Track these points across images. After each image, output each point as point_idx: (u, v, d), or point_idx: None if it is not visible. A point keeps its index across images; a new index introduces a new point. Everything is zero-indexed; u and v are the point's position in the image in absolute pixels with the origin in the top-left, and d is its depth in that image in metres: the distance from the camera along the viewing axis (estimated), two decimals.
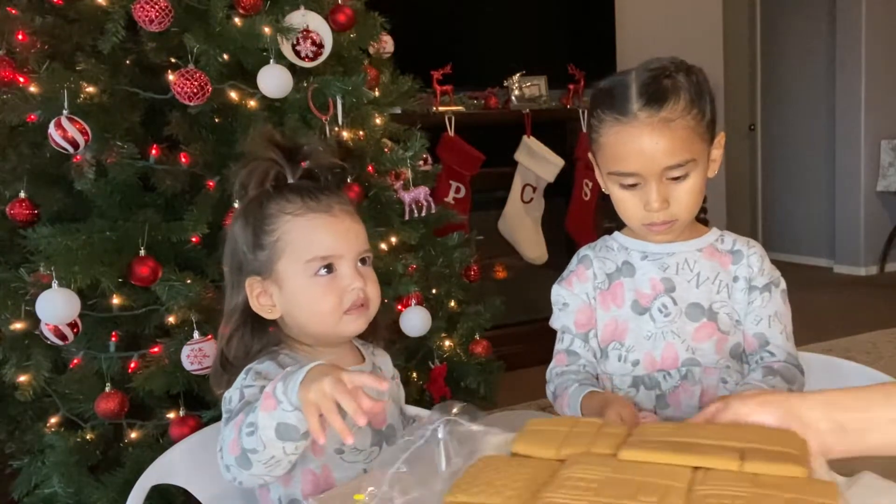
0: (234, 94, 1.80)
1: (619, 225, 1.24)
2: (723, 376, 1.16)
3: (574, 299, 1.22)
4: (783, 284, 1.21)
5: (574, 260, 1.25)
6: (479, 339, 2.26)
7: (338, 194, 1.08)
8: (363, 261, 1.08)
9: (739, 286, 1.18)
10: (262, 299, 1.05)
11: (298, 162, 1.08)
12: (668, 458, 0.78)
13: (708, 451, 0.78)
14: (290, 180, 1.08)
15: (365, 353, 1.14)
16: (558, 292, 1.24)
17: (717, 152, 1.14)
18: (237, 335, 1.06)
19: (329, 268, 1.04)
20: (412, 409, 1.26)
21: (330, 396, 0.80)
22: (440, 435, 0.82)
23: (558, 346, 1.24)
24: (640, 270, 1.19)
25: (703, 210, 1.25)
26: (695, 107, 1.07)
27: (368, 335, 1.13)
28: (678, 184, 1.08)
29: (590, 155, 1.16)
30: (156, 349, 1.71)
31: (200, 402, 1.76)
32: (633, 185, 1.09)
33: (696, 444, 0.80)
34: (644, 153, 1.06)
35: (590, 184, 3.84)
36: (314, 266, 1.03)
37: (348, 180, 1.83)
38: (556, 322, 1.25)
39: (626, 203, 1.12)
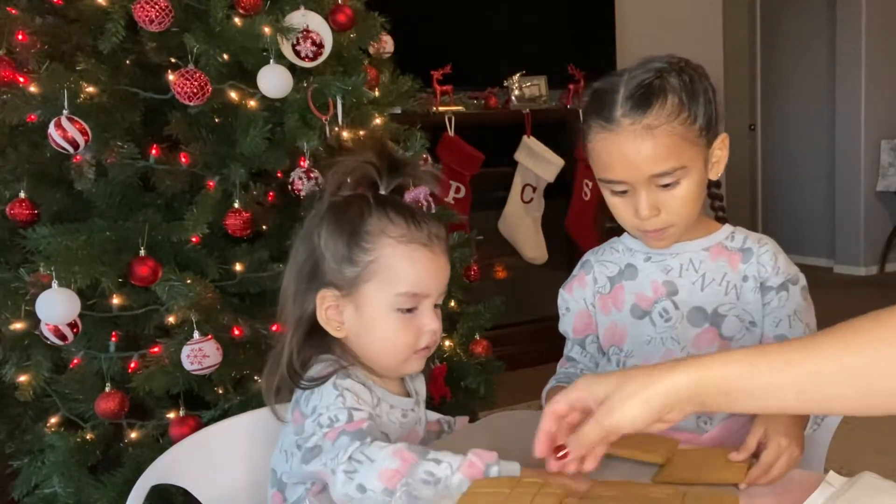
0: (234, 94, 1.80)
1: (621, 224, 1.23)
2: None
3: (574, 304, 1.22)
4: (803, 281, 1.15)
5: (578, 264, 1.24)
6: (479, 339, 2.25)
7: (437, 224, 1.01)
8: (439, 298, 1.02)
9: (749, 286, 1.13)
10: (331, 313, 0.99)
11: (396, 174, 1.01)
12: None
13: None
14: (382, 190, 1.01)
15: (406, 382, 1.09)
16: (562, 297, 1.24)
17: (720, 153, 1.09)
18: (305, 345, 1.01)
19: (412, 308, 0.98)
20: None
21: None
22: None
23: (565, 351, 1.24)
24: (643, 273, 1.16)
25: (720, 209, 1.21)
26: (684, 110, 1.02)
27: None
28: (669, 191, 1.04)
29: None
30: (156, 349, 1.71)
31: (200, 402, 1.76)
32: (624, 192, 1.06)
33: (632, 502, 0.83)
34: (628, 161, 1.02)
35: (590, 184, 3.84)
36: (402, 300, 0.97)
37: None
38: (560, 326, 1.25)
39: (618, 209, 1.09)
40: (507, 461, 0.85)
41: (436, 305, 1.01)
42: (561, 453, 0.82)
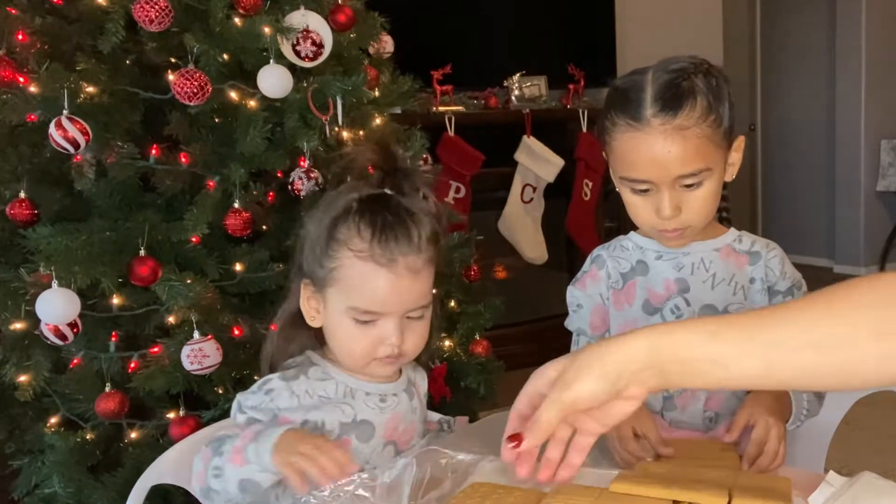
0: (234, 94, 1.80)
1: (621, 225, 1.23)
2: None
3: (588, 300, 1.21)
4: (805, 287, 1.18)
5: (588, 261, 1.24)
6: (479, 339, 2.25)
7: (410, 243, 0.98)
8: (412, 313, 1.01)
9: (756, 287, 1.16)
10: (312, 303, 1.04)
11: (394, 173, 1.02)
12: (657, 493, 0.80)
13: (697, 488, 0.79)
14: (387, 189, 1.02)
15: (403, 367, 1.10)
16: (573, 294, 1.23)
17: (736, 156, 1.11)
18: (286, 332, 1.06)
19: (369, 322, 0.99)
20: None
21: (306, 458, 0.88)
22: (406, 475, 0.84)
23: (573, 349, 1.23)
24: (654, 270, 1.17)
25: (726, 211, 1.22)
26: (712, 113, 1.03)
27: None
28: (691, 191, 1.05)
29: (603, 153, 1.13)
30: (156, 349, 1.71)
31: (200, 402, 1.76)
32: (645, 191, 1.06)
33: (686, 480, 0.82)
34: (656, 161, 1.02)
35: (590, 184, 3.84)
36: (354, 313, 0.99)
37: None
38: (571, 324, 1.24)
39: (637, 208, 1.09)
40: (269, 431, 0.92)
41: (409, 318, 1.01)
42: (514, 443, 0.75)
